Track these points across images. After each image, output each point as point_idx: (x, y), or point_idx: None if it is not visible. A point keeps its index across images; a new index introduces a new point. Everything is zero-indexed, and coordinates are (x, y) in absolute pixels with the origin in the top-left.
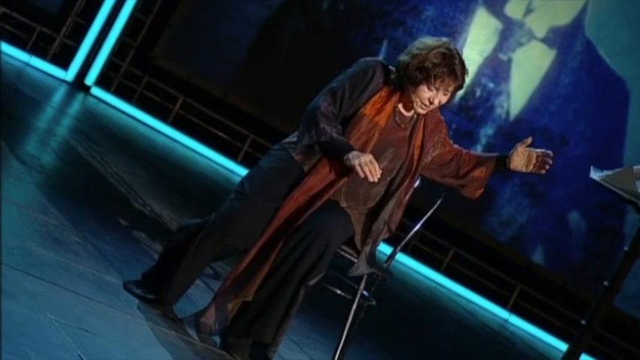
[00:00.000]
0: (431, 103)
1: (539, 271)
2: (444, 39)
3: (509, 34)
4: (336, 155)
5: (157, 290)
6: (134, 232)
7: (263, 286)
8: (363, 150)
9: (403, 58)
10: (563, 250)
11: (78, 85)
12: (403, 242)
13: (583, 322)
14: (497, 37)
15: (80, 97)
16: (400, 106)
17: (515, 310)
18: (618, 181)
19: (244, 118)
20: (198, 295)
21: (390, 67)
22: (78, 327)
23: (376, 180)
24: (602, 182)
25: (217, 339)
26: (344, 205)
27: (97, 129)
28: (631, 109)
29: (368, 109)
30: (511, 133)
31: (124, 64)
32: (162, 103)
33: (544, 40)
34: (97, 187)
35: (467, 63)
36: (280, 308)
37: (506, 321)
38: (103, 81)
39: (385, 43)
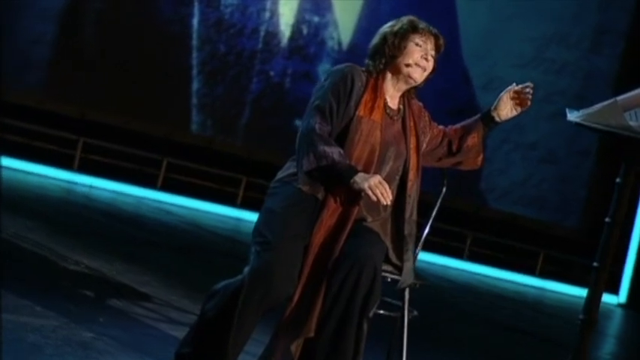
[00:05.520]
0: (425, 60)
1: None
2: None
3: None
4: (340, 179)
5: None
6: (109, 302)
7: (324, 328)
8: (371, 156)
9: (377, 39)
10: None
11: None
12: (422, 240)
13: (595, 264)
14: None
15: None
16: (387, 97)
17: None
18: (604, 117)
19: (68, 122)
20: None
21: (361, 67)
22: None
23: (389, 203)
24: (583, 122)
25: None
26: (369, 220)
27: None
28: (459, 7)
29: (362, 111)
30: (348, 62)
31: None
32: None
33: None
34: (25, 263)
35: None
36: (349, 348)
37: None
38: None
39: (196, 4)
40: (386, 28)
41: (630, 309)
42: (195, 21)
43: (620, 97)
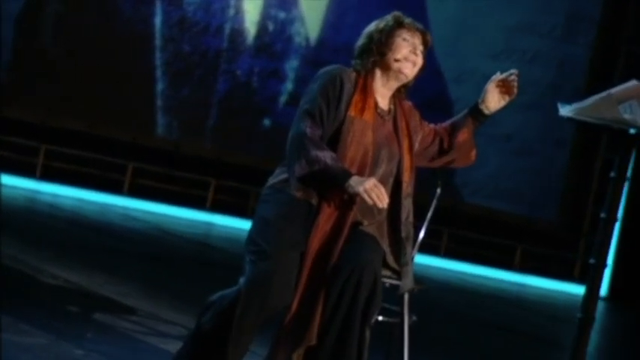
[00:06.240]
0: (414, 54)
1: None
2: None
3: None
4: (334, 183)
5: None
6: (94, 317)
7: (325, 335)
8: (364, 158)
9: (363, 39)
10: None
11: None
12: (417, 244)
13: (592, 261)
14: None
15: None
16: (378, 97)
17: None
18: (598, 110)
19: (30, 129)
20: None
21: (348, 68)
22: None
23: (385, 205)
24: (576, 117)
25: None
26: (365, 224)
27: None
28: (428, 0)
29: (353, 112)
30: (317, 58)
31: None
32: None
33: None
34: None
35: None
36: (352, 356)
37: None
38: None
39: (158, 2)
40: (371, 27)
41: (611, 302)
42: (157, 20)
43: (613, 90)
